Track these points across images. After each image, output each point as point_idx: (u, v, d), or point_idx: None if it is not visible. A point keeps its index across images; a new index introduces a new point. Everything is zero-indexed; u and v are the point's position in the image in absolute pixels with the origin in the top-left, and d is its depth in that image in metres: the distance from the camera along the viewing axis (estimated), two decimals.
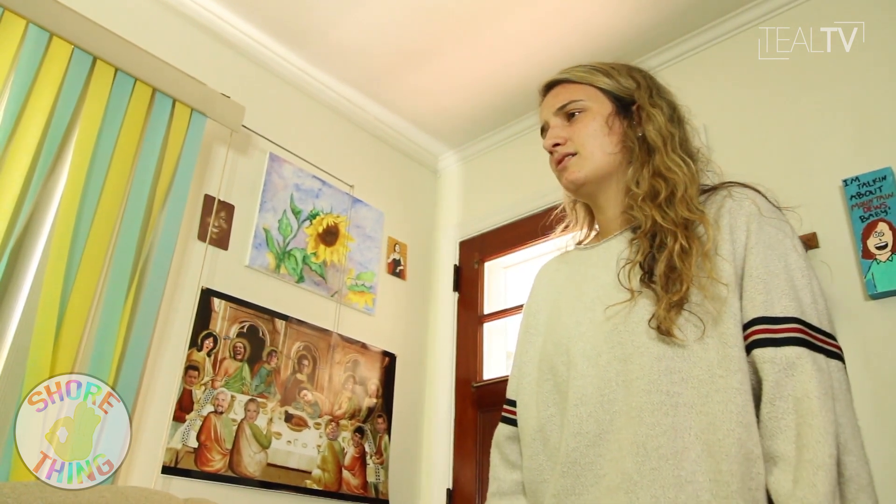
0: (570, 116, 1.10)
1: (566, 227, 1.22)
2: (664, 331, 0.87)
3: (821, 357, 0.82)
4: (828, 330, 0.86)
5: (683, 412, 0.84)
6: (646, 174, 1.02)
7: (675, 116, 1.09)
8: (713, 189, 1.02)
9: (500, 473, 1.14)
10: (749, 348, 0.86)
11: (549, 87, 1.17)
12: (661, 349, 0.88)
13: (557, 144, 1.09)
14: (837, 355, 0.85)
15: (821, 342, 0.84)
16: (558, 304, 1.08)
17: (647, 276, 0.93)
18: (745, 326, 0.87)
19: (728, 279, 0.89)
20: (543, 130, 1.15)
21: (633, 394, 0.88)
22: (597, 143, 1.07)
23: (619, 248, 1.03)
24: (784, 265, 0.89)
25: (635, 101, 1.08)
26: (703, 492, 0.79)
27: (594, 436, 0.90)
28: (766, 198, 0.99)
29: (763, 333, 0.85)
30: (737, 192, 0.98)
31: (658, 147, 1.02)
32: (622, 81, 1.10)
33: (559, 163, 1.10)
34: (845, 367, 0.85)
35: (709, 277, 0.89)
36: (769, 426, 0.81)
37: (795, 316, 0.85)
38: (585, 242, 1.17)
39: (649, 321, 0.89)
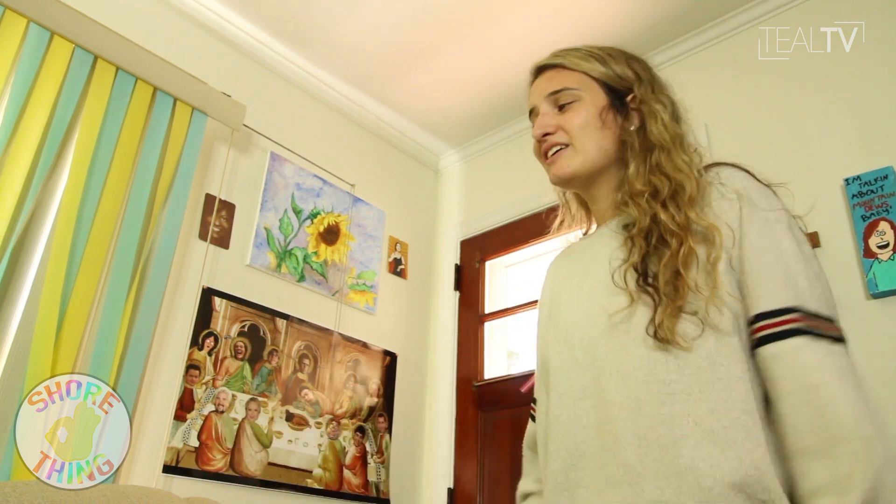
0: (560, 105, 1.05)
1: (561, 222, 1.19)
2: (662, 338, 0.86)
3: (824, 343, 0.82)
4: (827, 314, 0.85)
5: (681, 399, 0.83)
6: (643, 171, 0.98)
7: (677, 113, 1.05)
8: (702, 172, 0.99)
9: (529, 468, 1.14)
10: (756, 346, 0.85)
11: (541, 69, 1.11)
12: (658, 342, 0.87)
13: (548, 134, 1.05)
14: (841, 338, 0.84)
15: (822, 328, 0.83)
16: (560, 297, 1.07)
17: (643, 279, 0.91)
18: (750, 323, 0.87)
19: (724, 272, 0.88)
20: (532, 114, 1.11)
21: (630, 385, 0.87)
22: (589, 136, 1.02)
23: (611, 242, 1.00)
24: (776, 254, 0.87)
25: (632, 93, 1.04)
26: (704, 478, 0.79)
27: (595, 428, 0.90)
28: (755, 178, 0.96)
29: (765, 329, 0.85)
30: (724, 176, 0.95)
31: (664, 145, 0.99)
32: (618, 70, 1.05)
33: (546, 155, 1.06)
34: (847, 352, 0.84)
35: (708, 281, 0.88)
36: (788, 423, 0.81)
37: (793, 306, 0.84)
38: (584, 234, 1.15)
39: (647, 327, 0.88)
